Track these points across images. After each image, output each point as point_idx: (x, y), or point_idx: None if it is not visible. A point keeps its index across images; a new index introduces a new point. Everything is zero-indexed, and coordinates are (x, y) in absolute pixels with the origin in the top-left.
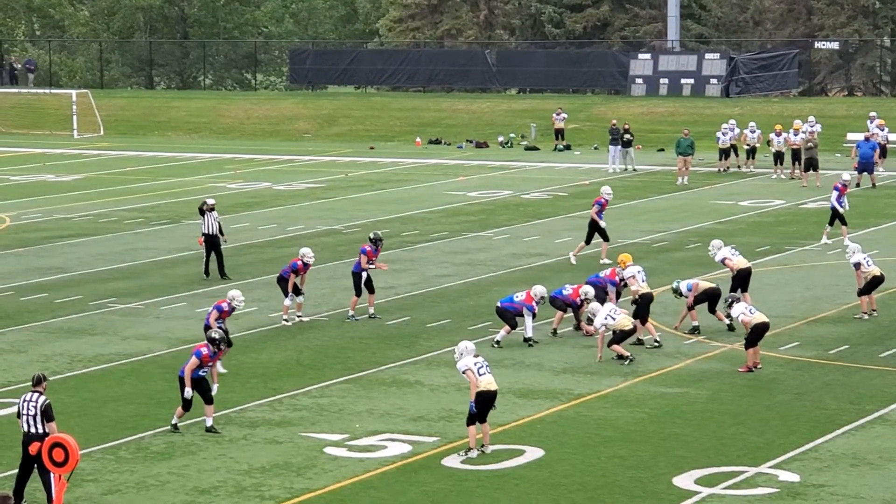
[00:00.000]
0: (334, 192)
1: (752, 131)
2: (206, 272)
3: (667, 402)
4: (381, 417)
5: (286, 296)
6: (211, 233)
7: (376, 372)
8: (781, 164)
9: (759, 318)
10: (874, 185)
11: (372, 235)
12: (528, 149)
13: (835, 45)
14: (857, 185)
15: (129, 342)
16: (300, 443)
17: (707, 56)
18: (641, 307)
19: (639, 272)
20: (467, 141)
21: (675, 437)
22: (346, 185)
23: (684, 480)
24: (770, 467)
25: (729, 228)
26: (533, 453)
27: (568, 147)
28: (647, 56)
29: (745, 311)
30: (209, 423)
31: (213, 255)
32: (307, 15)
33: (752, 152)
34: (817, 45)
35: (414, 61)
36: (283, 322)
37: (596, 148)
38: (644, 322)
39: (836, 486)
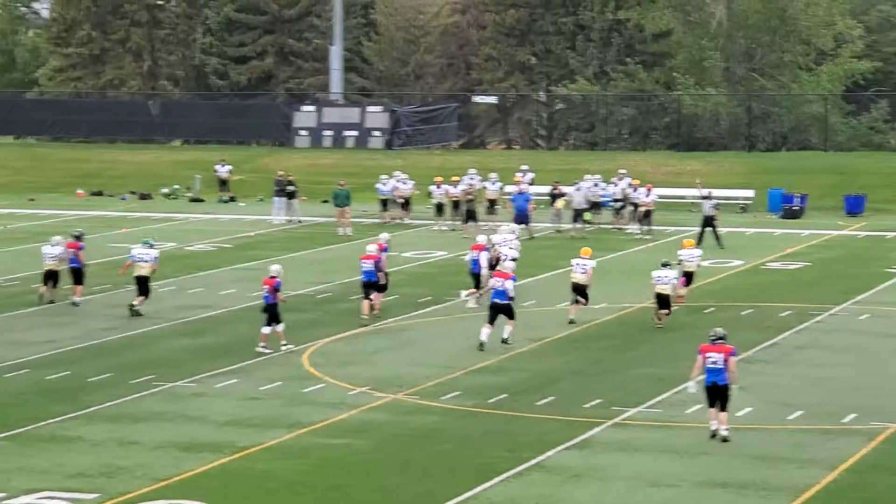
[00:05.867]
0: None
1: (405, 183)
2: None
3: (331, 452)
4: (39, 475)
5: (270, 324)
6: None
7: (35, 428)
8: (442, 215)
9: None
10: (532, 237)
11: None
12: (192, 200)
13: (493, 100)
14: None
15: None
16: None
17: (369, 109)
18: None
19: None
20: (131, 192)
21: (338, 488)
22: (5, 237)
23: None
24: None
25: (393, 280)
26: None
27: (233, 199)
28: (311, 108)
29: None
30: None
31: None
32: None
33: (406, 203)
34: (475, 98)
35: (76, 111)
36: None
37: (261, 199)
38: None
39: None
